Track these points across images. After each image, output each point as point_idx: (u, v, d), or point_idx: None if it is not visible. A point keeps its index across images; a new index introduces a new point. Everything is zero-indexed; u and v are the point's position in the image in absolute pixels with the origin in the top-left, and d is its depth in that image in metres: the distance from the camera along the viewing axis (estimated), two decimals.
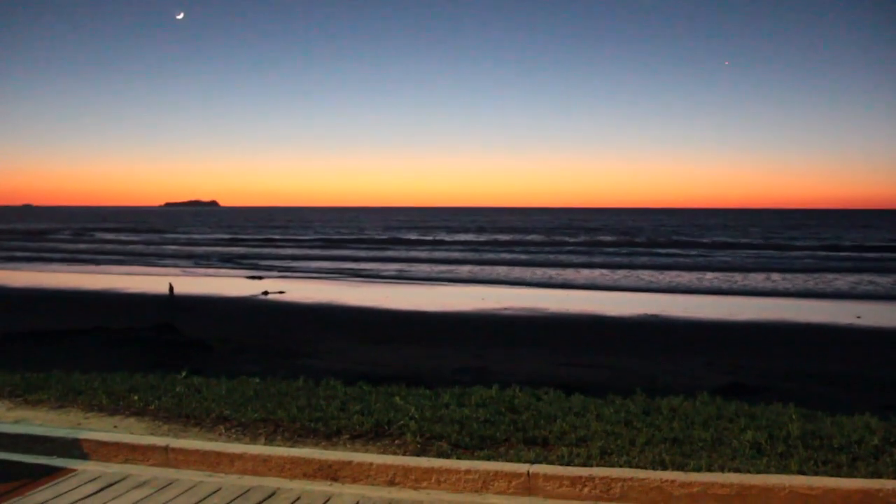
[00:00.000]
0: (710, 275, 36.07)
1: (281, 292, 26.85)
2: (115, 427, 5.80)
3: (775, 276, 35.94)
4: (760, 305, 24.59)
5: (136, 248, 57.55)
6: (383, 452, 5.11)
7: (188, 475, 5.02)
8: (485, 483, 4.65)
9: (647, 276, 36.18)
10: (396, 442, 5.32)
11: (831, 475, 4.52)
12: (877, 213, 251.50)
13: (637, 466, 4.68)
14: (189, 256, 48.83)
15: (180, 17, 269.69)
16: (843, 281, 33.21)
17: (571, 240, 70.77)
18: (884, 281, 33.15)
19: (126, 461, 5.27)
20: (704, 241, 68.91)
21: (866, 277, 34.62)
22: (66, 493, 4.71)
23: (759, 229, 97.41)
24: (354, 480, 4.84)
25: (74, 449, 5.36)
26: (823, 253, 51.63)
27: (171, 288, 25.31)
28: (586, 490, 4.53)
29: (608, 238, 74.01)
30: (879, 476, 4.49)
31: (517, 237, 77.15)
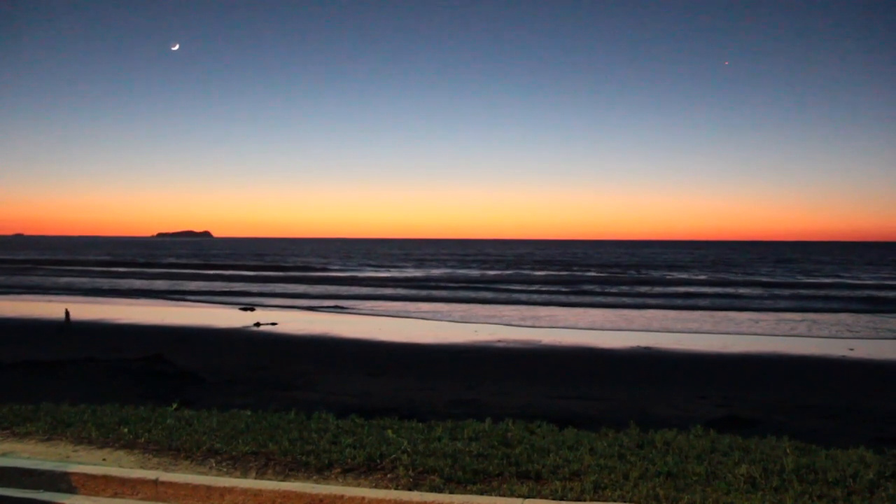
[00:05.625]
0: (698, 312, 36.10)
1: (273, 324, 26.71)
2: (104, 460, 5.74)
3: (766, 313, 36.01)
4: (752, 339, 24.61)
5: (122, 282, 57.27)
6: (375, 486, 5.07)
7: None
8: None
9: (637, 311, 36.19)
10: (389, 476, 5.28)
11: None
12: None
13: (631, 501, 4.65)
14: (180, 288, 48.60)
15: (175, 48, 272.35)
16: (832, 316, 33.33)
17: (555, 273, 70.87)
18: (876, 315, 33.27)
19: (115, 495, 5.20)
20: (689, 276, 69.17)
21: (862, 316, 34.73)
22: None
23: (741, 263, 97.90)
24: None
25: (62, 483, 5.29)
26: (830, 292, 51.76)
27: (66, 314, 25.03)
28: None
29: (597, 273, 74.10)
30: None
31: (511, 271, 77.23)
